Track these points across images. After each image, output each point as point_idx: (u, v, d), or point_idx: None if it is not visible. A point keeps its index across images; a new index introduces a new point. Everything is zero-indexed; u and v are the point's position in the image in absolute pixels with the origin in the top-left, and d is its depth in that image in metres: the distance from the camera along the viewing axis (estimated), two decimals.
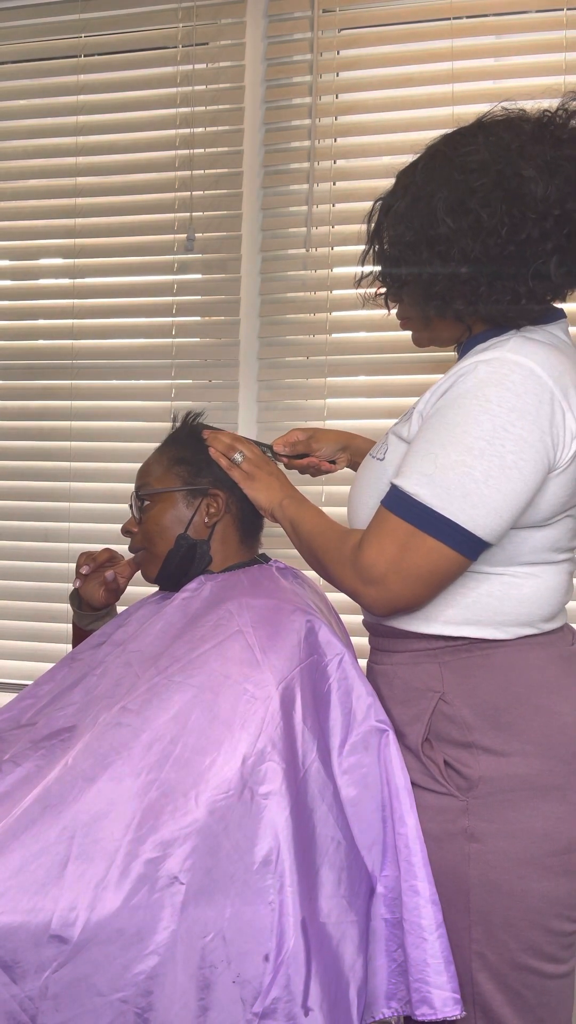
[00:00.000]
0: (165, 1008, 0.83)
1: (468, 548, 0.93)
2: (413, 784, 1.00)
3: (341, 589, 1.05)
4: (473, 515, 0.91)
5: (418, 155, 1.04)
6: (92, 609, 1.33)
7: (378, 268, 1.08)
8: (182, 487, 1.22)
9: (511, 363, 0.92)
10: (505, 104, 1.00)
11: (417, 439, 0.97)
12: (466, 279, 0.97)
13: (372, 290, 1.11)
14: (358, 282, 1.11)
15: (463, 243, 0.95)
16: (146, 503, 1.23)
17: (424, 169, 1.00)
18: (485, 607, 0.99)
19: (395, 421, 1.10)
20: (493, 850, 0.94)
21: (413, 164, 1.03)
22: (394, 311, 1.14)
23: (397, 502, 0.95)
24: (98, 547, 1.34)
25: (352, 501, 1.13)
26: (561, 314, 1.03)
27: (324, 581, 1.10)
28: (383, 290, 1.10)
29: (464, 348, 1.04)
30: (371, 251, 1.07)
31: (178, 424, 1.31)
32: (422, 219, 0.98)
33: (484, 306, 0.98)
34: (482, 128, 0.99)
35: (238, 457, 1.20)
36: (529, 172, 0.93)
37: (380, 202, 1.06)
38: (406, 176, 1.03)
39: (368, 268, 1.10)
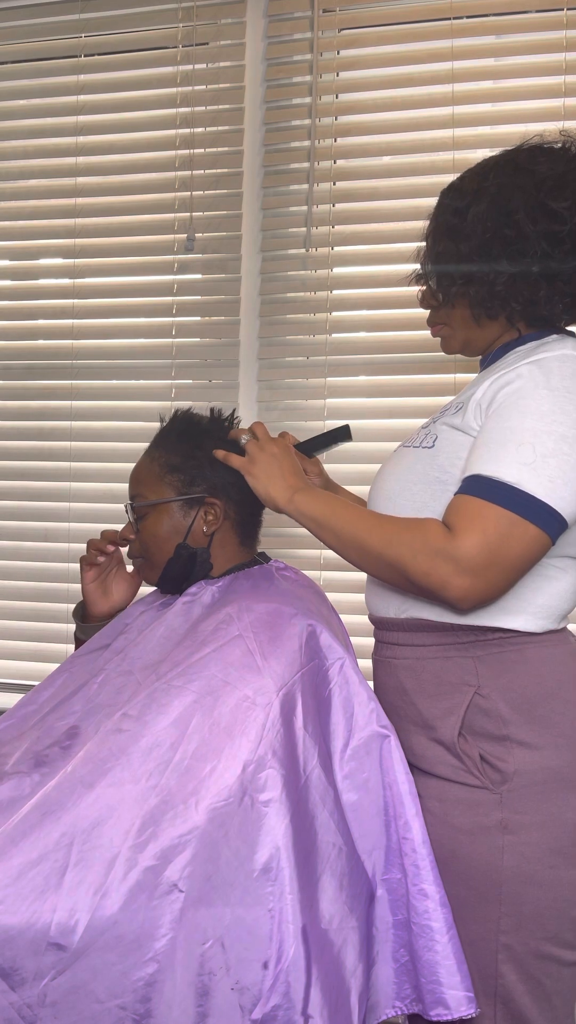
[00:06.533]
0: (164, 1015, 0.83)
1: (559, 535, 0.95)
2: (442, 779, 1.01)
3: (415, 583, 0.98)
4: (572, 502, 0.94)
5: (482, 164, 1.07)
6: (92, 618, 1.28)
7: (426, 268, 1.11)
8: (177, 497, 1.17)
9: None
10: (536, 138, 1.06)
11: (493, 429, 0.97)
12: (531, 280, 1.01)
13: (417, 287, 1.15)
14: (413, 280, 1.14)
15: (537, 244, 0.99)
16: (142, 512, 1.20)
17: (495, 176, 1.04)
18: (521, 598, 1.00)
19: (416, 419, 1.11)
20: (527, 841, 0.96)
21: (483, 175, 1.05)
22: (426, 313, 1.17)
23: (494, 491, 0.94)
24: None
25: (389, 488, 1.09)
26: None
27: (323, 580, 1.09)
28: (423, 287, 1.14)
29: (503, 350, 1.07)
30: (432, 251, 1.10)
31: (165, 424, 1.24)
32: (497, 220, 1.01)
33: (543, 307, 1.02)
34: (531, 150, 1.04)
35: (244, 438, 1.16)
36: None
37: (444, 204, 1.09)
38: (474, 182, 1.06)
39: (407, 267, 1.13)
